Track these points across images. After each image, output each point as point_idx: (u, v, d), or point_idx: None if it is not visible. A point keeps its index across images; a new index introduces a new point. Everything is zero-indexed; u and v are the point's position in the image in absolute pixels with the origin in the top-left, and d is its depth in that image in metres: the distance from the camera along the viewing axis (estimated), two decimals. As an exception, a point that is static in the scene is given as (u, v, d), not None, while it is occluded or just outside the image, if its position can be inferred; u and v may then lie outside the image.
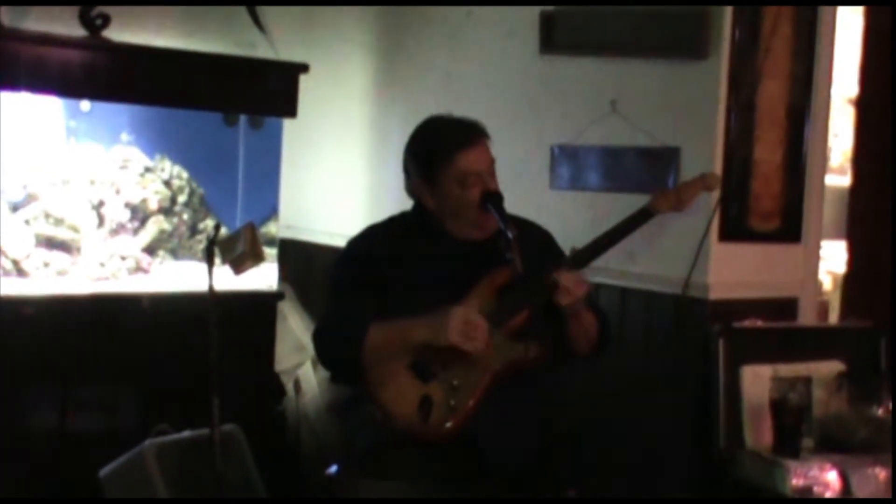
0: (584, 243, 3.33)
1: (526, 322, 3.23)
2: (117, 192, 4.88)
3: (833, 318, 4.79)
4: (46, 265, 4.61)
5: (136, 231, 4.92)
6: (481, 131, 3.33)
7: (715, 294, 3.92)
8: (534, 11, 4.35)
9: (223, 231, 3.65)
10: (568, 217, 4.13)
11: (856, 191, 4.45)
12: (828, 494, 3.54)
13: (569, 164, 4.31)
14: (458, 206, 3.28)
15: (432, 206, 3.34)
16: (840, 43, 4.26)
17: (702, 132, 3.94)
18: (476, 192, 3.25)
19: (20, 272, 4.54)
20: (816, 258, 4.29)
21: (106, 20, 4.54)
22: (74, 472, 4.22)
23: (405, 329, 3.21)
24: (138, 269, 4.87)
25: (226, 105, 4.89)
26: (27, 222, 4.61)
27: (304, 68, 4.81)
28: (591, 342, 3.38)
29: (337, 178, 5.51)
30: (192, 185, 5.12)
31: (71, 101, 4.68)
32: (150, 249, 4.96)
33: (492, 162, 3.32)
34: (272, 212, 5.17)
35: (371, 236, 3.46)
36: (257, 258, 3.50)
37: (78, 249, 4.72)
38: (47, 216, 4.66)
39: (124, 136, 4.91)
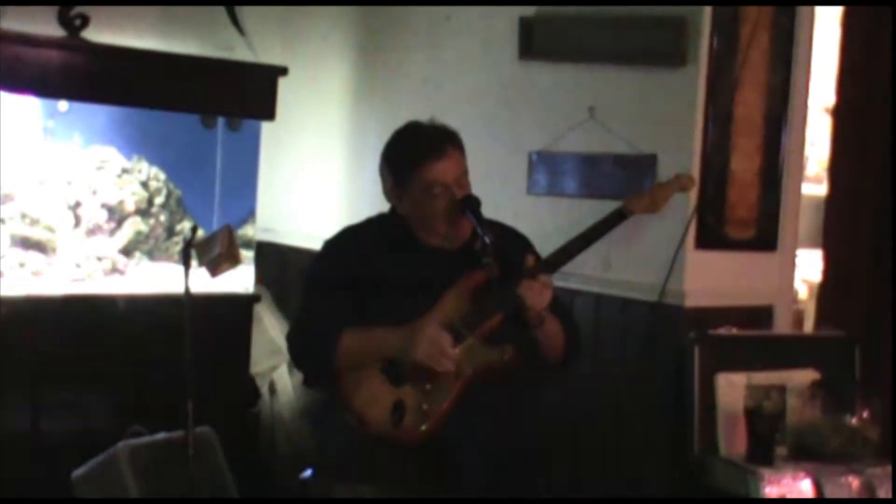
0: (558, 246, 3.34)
1: (500, 326, 3.23)
2: (94, 192, 4.86)
3: (808, 326, 4.80)
4: (21, 265, 4.58)
5: (112, 232, 4.90)
6: (453, 142, 3.31)
7: (690, 301, 3.93)
8: (513, 17, 4.35)
9: (200, 233, 3.64)
10: (545, 223, 4.13)
11: (832, 200, 4.45)
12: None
13: (546, 170, 4.31)
14: (425, 215, 3.28)
15: (403, 213, 3.34)
16: (817, 52, 4.29)
17: (679, 140, 3.95)
18: (441, 203, 3.25)
19: (-6, 272, 4.52)
20: (792, 267, 4.31)
21: (84, 21, 4.52)
22: (47, 474, 4.20)
23: (377, 339, 3.21)
24: (114, 270, 4.85)
25: (204, 107, 4.87)
26: (2, 222, 4.59)
27: (282, 71, 4.80)
28: (557, 351, 3.37)
29: (314, 181, 5.50)
30: (169, 186, 5.10)
31: (48, 102, 4.65)
32: (127, 251, 4.94)
33: (462, 173, 3.30)
34: (249, 214, 5.16)
35: (347, 237, 3.46)
36: (234, 260, 3.49)
37: (53, 250, 4.69)
38: (23, 216, 4.63)
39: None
